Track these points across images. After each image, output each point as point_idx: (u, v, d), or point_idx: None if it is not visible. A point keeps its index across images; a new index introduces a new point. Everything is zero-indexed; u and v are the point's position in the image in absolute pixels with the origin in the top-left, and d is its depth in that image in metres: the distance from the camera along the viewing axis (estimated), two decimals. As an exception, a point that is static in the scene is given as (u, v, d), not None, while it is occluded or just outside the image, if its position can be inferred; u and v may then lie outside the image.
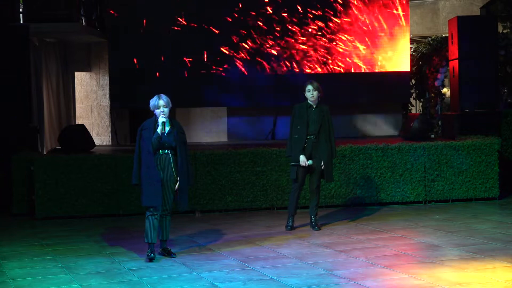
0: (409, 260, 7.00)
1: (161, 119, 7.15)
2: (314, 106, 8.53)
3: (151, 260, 7.14)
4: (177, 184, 7.25)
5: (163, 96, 7.24)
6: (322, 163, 8.47)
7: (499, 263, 6.71)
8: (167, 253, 7.35)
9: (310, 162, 8.46)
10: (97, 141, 12.97)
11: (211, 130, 13.31)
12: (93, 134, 13.46)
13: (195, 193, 9.92)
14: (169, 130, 7.21)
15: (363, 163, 10.33)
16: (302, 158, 8.42)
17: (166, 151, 7.20)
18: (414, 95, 14.72)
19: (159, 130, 7.14)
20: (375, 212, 9.94)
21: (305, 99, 8.57)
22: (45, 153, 11.70)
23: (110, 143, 13.82)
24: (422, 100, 14.59)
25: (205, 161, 10.07)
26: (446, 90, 13.97)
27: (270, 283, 6.22)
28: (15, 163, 10.09)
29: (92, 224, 9.41)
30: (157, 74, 12.45)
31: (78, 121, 14.01)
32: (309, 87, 8.52)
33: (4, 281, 6.50)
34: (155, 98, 7.24)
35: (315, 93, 8.49)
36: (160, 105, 7.17)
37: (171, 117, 7.35)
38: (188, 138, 12.74)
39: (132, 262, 7.14)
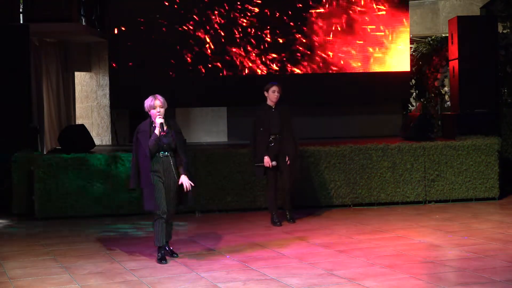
0: (409, 260, 7.00)
1: (158, 120, 6.96)
2: (274, 107, 8.86)
3: (162, 261, 7.03)
4: (184, 180, 7.06)
5: (158, 96, 7.04)
6: (287, 159, 8.79)
7: (499, 263, 6.72)
8: (170, 253, 7.27)
9: (274, 162, 8.77)
10: (97, 141, 12.97)
11: (211, 130, 13.30)
12: (93, 134, 13.46)
13: (195, 193, 9.89)
14: (166, 131, 7.03)
15: (363, 163, 10.33)
16: (266, 159, 8.75)
17: (166, 153, 7.02)
18: (414, 95, 14.72)
19: (157, 131, 6.96)
20: (375, 212, 9.95)
21: (265, 100, 8.91)
22: (45, 153, 11.70)
23: (110, 143, 13.82)
24: (422, 100, 14.59)
25: (205, 161, 10.07)
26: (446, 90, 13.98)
27: (270, 283, 6.22)
28: (15, 163, 10.09)
29: (92, 224, 9.41)
30: (157, 74, 12.44)
31: (78, 121, 14.01)
32: (275, 88, 8.84)
33: (4, 281, 6.50)
34: (150, 98, 7.03)
35: (279, 94, 8.85)
36: (156, 105, 6.97)
37: (168, 117, 7.16)
38: (188, 138, 12.91)
39: (132, 262, 7.14)
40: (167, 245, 7.32)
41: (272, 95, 8.83)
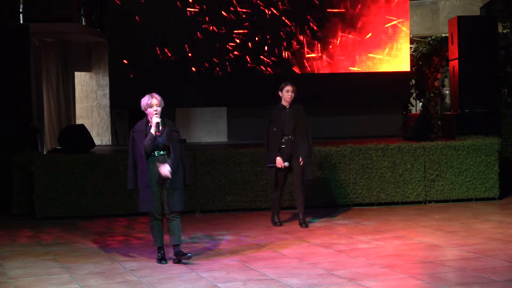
0: (409, 260, 7.01)
1: (155, 119, 6.85)
2: (288, 107, 8.74)
3: (162, 261, 6.98)
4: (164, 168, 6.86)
5: (155, 94, 6.96)
6: (300, 160, 8.65)
7: (499, 263, 6.71)
8: (181, 254, 6.98)
9: (286, 163, 8.65)
10: (97, 141, 12.97)
11: (211, 130, 13.30)
12: (93, 134, 13.46)
13: (195, 193, 9.92)
14: (161, 130, 6.91)
15: (363, 163, 10.33)
16: (278, 160, 8.63)
17: (161, 152, 6.93)
18: (414, 95, 14.73)
19: (153, 130, 6.86)
20: (375, 212, 9.95)
21: (280, 100, 8.79)
22: (45, 153, 11.70)
23: (110, 143, 13.82)
24: (422, 100, 14.60)
25: (205, 161, 10.07)
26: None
27: (270, 283, 6.22)
28: (15, 163, 10.09)
29: (92, 224, 9.41)
30: (157, 74, 12.44)
31: (78, 121, 14.01)
32: (289, 87, 8.71)
33: (4, 281, 6.50)
34: (147, 97, 6.95)
35: (293, 94, 8.72)
36: (153, 103, 6.88)
37: (166, 116, 7.06)
38: (188, 138, 12.95)
39: (132, 262, 7.14)
40: (178, 248, 7.00)
41: (286, 94, 8.71)
